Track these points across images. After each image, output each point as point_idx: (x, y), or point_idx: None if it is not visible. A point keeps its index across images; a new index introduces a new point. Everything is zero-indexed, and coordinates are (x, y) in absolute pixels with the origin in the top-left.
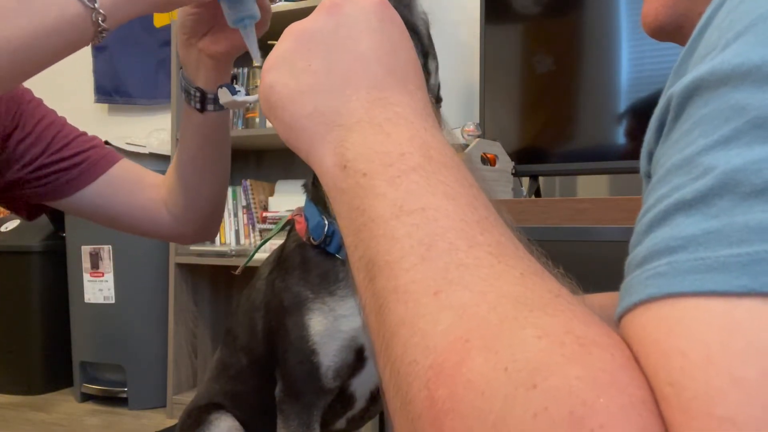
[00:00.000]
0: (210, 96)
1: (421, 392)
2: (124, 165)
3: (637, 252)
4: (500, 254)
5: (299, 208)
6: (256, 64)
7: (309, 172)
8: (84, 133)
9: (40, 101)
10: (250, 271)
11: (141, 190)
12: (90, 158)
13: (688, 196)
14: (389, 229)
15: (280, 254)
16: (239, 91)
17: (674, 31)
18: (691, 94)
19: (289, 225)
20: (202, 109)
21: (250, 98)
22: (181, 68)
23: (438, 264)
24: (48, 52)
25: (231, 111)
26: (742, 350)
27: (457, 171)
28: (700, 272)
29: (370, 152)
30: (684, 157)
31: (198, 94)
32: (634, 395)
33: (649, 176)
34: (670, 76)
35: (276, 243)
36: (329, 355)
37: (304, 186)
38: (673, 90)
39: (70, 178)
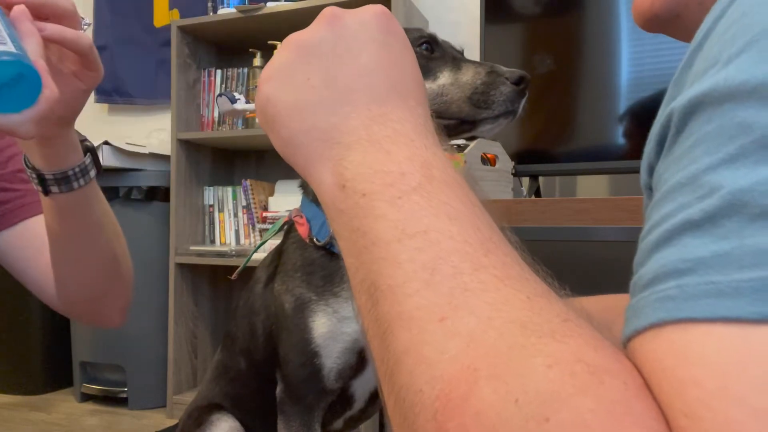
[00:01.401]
0: (49, 177)
1: (429, 423)
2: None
3: (643, 272)
4: (506, 277)
5: (296, 209)
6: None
7: None
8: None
9: None
10: (250, 270)
11: (46, 251)
12: (14, 200)
13: (694, 216)
14: (391, 253)
15: (279, 256)
16: (239, 99)
17: (670, 20)
18: (693, 110)
19: (286, 226)
20: (46, 192)
21: (250, 106)
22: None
23: (442, 289)
24: None
25: (89, 192)
26: (760, 379)
27: (459, 190)
28: (711, 297)
29: (369, 172)
30: (688, 175)
31: (35, 175)
32: (650, 427)
33: (649, 188)
34: (670, 86)
35: (274, 243)
36: (332, 357)
37: (302, 186)
38: (674, 105)
39: None
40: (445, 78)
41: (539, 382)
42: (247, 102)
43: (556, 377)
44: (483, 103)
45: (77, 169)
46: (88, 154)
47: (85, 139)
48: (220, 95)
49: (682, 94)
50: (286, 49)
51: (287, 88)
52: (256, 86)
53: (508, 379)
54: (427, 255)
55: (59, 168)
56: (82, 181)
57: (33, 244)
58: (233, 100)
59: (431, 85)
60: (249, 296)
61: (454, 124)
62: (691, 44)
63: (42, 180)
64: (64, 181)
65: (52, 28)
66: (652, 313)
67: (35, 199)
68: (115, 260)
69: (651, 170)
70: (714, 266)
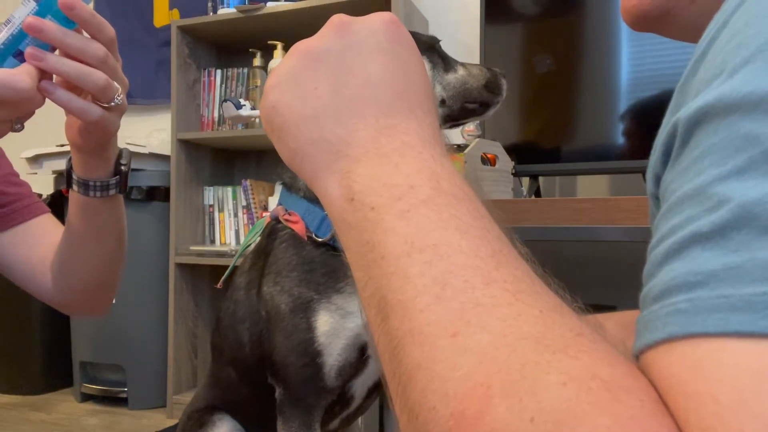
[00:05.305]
0: (75, 177)
1: None
2: (43, 220)
3: (653, 284)
4: (517, 291)
5: (281, 208)
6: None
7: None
8: (15, 174)
9: None
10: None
11: (39, 246)
12: (13, 203)
13: (704, 228)
14: (401, 267)
15: (264, 259)
16: (244, 105)
17: (659, 18)
18: (699, 121)
19: (268, 228)
20: (68, 187)
21: (255, 113)
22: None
23: (454, 304)
24: None
25: (121, 203)
26: None
27: (468, 202)
28: (723, 311)
29: (377, 185)
30: (696, 187)
31: (65, 169)
32: None
33: (656, 197)
34: (674, 94)
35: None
36: (333, 354)
37: (284, 183)
38: (679, 115)
39: None
40: (462, 70)
41: (554, 400)
42: (253, 108)
43: (572, 395)
44: (495, 89)
45: (98, 183)
46: (117, 176)
47: (125, 164)
48: (225, 100)
49: (687, 104)
50: (293, 56)
51: (294, 97)
52: (256, 86)
53: (522, 396)
54: (438, 269)
55: (84, 175)
56: (98, 193)
57: (26, 241)
58: (238, 106)
59: (455, 75)
60: (230, 305)
61: (475, 107)
62: (695, 52)
63: (68, 176)
64: (84, 186)
65: (63, 96)
66: (663, 328)
67: (29, 203)
68: (120, 258)
69: (657, 180)
70: (725, 279)
